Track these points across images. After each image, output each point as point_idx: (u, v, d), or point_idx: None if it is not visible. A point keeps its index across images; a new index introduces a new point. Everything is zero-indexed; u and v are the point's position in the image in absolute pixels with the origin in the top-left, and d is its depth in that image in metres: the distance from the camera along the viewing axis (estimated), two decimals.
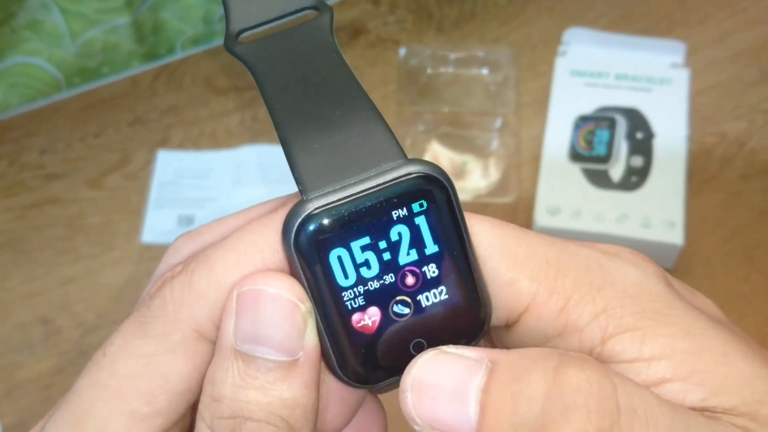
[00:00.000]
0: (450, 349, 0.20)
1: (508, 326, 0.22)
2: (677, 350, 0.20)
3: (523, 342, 0.21)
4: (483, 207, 0.61)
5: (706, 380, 0.19)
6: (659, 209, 0.57)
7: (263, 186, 0.64)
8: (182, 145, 0.67)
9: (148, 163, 0.66)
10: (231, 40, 0.24)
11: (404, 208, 0.20)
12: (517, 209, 0.61)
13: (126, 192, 0.65)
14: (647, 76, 0.63)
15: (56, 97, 0.70)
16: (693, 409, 0.19)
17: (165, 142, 0.67)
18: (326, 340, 0.21)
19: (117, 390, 0.21)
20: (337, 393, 0.22)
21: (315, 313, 0.21)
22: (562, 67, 0.65)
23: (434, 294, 0.21)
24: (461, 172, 0.63)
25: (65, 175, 0.66)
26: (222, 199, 0.64)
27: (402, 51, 0.69)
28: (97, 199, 0.64)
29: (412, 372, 0.20)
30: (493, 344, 0.24)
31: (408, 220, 0.20)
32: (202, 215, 0.63)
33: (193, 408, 0.22)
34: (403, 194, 0.20)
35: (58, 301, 0.60)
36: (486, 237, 0.21)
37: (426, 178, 0.20)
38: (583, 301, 0.20)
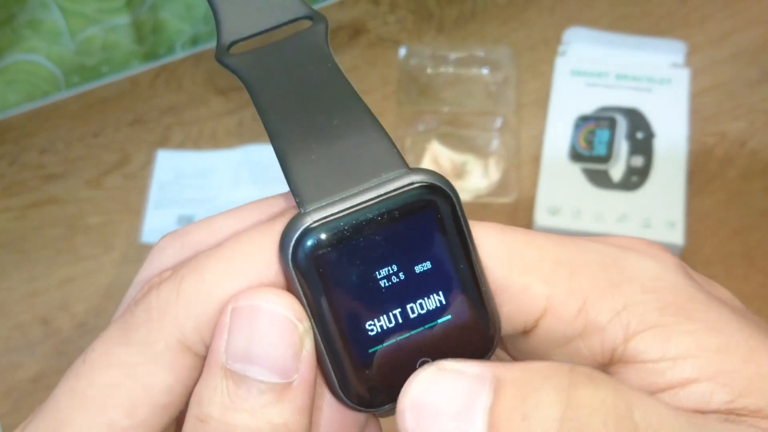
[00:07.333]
0: (450, 365, 0.19)
1: (527, 332, 0.21)
2: (703, 348, 0.19)
3: (543, 346, 0.21)
4: (483, 207, 0.61)
5: (733, 380, 0.19)
6: (659, 209, 0.57)
7: (263, 186, 0.64)
8: (182, 145, 0.67)
9: (148, 163, 0.66)
10: (223, 52, 0.23)
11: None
12: (517, 209, 0.61)
13: (126, 192, 0.65)
14: (647, 76, 0.63)
15: (56, 97, 0.70)
16: (719, 411, 0.19)
17: (165, 142, 0.67)
18: (327, 361, 0.20)
19: (95, 400, 0.20)
20: (336, 421, 0.21)
21: (314, 333, 0.19)
22: (562, 67, 0.65)
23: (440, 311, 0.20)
24: (461, 172, 0.63)
25: (65, 175, 0.66)
26: (222, 199, 0.63)
27: (402, 51, 0.69)
28: (97, 199, 0.64)
29: (411, 391, 0.18)
30: (507, 352, 0.23)
31: None
32: (202, 215, 0.63)
33: (177, 421, 0.21)
34: (406, 205, 0.19)
35: (57, 301, 0.60)
36: (491, 245, 0.20)
37: (429, 187, 0.19)
38: (601, 299, 0.19)
